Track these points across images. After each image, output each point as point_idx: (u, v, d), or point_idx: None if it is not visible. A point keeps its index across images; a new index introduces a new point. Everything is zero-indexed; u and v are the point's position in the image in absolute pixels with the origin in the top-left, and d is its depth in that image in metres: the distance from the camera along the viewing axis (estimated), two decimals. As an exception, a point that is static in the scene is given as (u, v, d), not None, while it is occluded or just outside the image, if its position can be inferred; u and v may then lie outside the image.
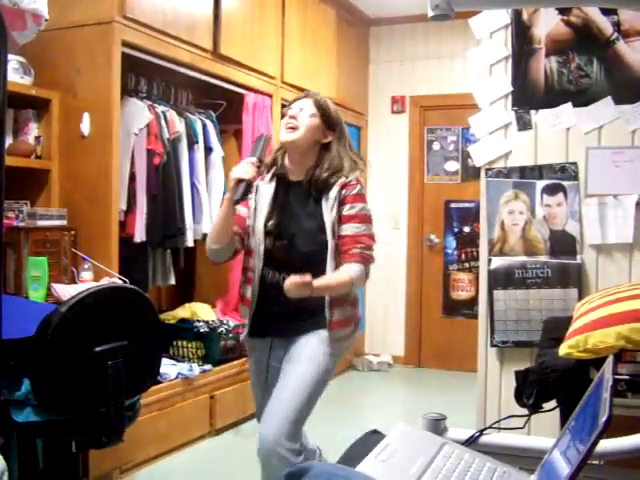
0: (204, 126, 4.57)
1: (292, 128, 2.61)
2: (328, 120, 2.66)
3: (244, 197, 2.54)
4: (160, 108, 4.22)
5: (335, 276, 2.56)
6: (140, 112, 4.05)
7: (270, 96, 5.15)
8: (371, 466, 1.18)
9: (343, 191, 2.59)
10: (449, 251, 6.71)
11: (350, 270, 2.55)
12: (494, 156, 3.27)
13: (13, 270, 3.38)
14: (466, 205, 6.59)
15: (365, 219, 2.64)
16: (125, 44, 3.75)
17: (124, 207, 3.89)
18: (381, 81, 6.93)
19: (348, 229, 2.59)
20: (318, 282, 2.42)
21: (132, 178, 3.96)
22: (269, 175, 2.72)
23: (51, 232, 3.54)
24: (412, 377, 6.48)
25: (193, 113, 4.57)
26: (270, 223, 2.64)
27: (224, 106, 4.93)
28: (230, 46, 4.57)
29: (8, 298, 2.39)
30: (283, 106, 5.33)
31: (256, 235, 2.65)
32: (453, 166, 6.72)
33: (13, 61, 3.51)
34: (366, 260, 2.62)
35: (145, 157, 4.02)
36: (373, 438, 1.41)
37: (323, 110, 2.66)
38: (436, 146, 6.78)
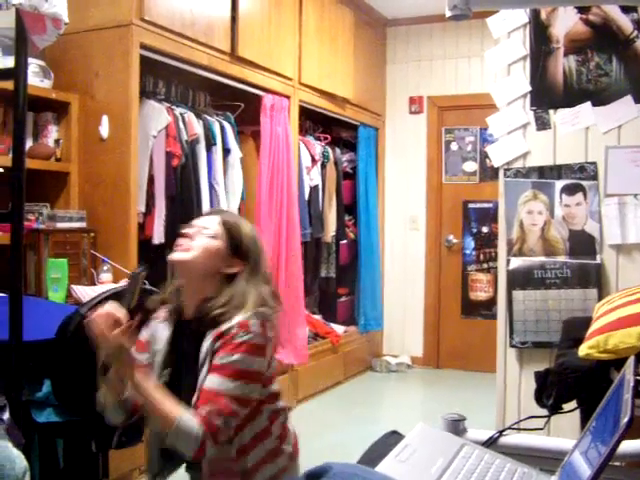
0: (222, 128, 4.58)
1: (184, 249, 2.05)
2: (236, 247, 2.07)
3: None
4: (178, 110, 4.23)
5: (166, 401, 1.90)
6: (158, 114, 4.06)
7: (288, 97, 5.16)
8: (390, 466, 1.18)
9: (218, 343, 1.94)
10: (467, 252, 6.69)
11: (185, 420, 1.85)
12: (512, 156, 3.25)
13: (33, 272, 3.40)
14: (484, 205, 6.56)
15: (235, 374, 1.91)
16: (143, 47, 3.77)
17: (143, 209, 3.91)
18: (398, 81, 6.92)
19: (209, 381, 1.91)
20: (146, 382, 1.91)
21: (151, 180, 3.98)
22: (165, 310, 2.15)
23: (71, 234, 3.56)
24: (431, 378, 6.47)
25: (211, 115, 4.58)
26: (164, 374, 2.09)
27: (242, 108, 4.94)
28: (247, 48, 4.58)
29: (29, 299, 2.41)
30: (301, 107, 5.35)
31: None
32: (471, 166, 6.69)
33: (33, 65, 3.53)
34: (209, 430, 1.86)
35: (164, 159, 4.04)
36: (392, 438, 1.41)
37: (231, 233, 2.08)
38: (454, 146, 6.76)
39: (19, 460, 1.92)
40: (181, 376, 2.06)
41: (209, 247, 2.05)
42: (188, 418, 1.86)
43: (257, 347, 1.94)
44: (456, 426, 1.46)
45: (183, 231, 2.10)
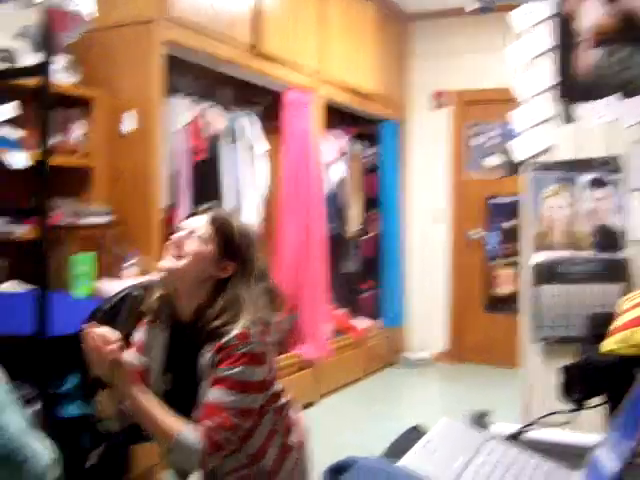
0: (246, 123, 4.60)
1: (175, 256, 1.98)
2: (227, 247, 1.99)
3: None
4: (202, 105, 4.26)
5: (166, 416, 1.88)
6: (182, 110, 4.09)
7: (311, 92, 5.16)
8: (413, 461, 1.18)
9: (218, 356, 1.89)
10: (490, 246, 6.66)
11: (186, 435, 1.83)
12: (536, 150, 3.23)
13: (59, 267, 3.43)
14: (507, 200, 6.52)
15: (236, 386, 1.86)
16: (167, 43, 3.78)
17: (167, 204, 3.93)
18: (421, 76, 6.90)
19: (210, 394, 1.87)
20: (144, 395, 1.90)
21: (175, 175, 4.00)
22: (161, 317, 2.09)
23: (96, 229, 3.59)
24: (453, 373, 6.45)
25: (235, 110, 4.60)
26: (163, 380, 2.05)
27: (265, 102, 4.95)
28: (271, 43, 4.59)
29: (54, 295, 2.44)
30: (324, 102, 5.34)
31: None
32: (494, 161, 6.66)
33: (59, 61, 3.56)
34: (211, 445, 1.83)
35: (187, 154, 4.06)
36: (415, 433, 1.41)
37: (222, 233, 1.99)
38: (477, 141, 6.73)
39: (47, 452, 1.94)
40: (180, 383, 2.01)
41: (200, 253, 1.96)
42: (189, 433, 1.83)
43: (258, 356, 1.90)
44: (480, 421, 1.46)
45: (173, 235, 2.02)
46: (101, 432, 2.19)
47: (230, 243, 1.99)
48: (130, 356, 2.04)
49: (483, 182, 6.69)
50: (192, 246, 1.96)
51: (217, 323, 1.90)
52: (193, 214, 2.08)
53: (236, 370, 1.86)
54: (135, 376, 1.91)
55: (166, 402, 1.94)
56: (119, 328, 1.93)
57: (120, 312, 2.49)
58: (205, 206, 2.07)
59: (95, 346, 1.85)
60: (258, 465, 1.98)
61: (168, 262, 1.97)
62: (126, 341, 1.92)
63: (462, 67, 6.67)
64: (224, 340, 1.87)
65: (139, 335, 2.12)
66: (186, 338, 2.00)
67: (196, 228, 1.99)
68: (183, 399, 1.95)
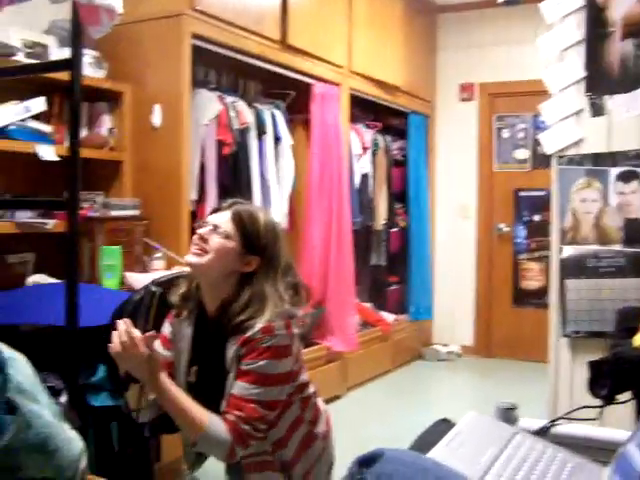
0: (273, 116, 4.60)
1: (199, 251, 2.01)
2: (250, 242, 2.01)
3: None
4: (229, 99, 4.26)
5: (193, 408, 1.91)
6: (210, 103, 4.10)
7: (338, 85, 5.15)
8: (442, 453, 1.18)
9: (243, 349, 1.92)
10: (519, 240, 6.62)
11: (213, 427, 1.87)
12: (566, 143, 3.20)
13: (88, 259, 3.46)
14: (536, 193, 6.47)
15: (261, 379, 1.90)
16: (194, 36, 3.79)
17: (195, 197, 3.95)
18: (449, 68, 6.86)
19: (236, 387, 1.91)
20: (171, 388, 1.91)
21: (202, 168, 4.02)
22: (186, 310, 2.13)
23: (124, 222, 3.61)
24: (481, 367, 6.43)
25: (262, 103, 4.60)
26: (190, 373, 2.09)
27: (292, 96, 4.95)
28: (298, 36, 4.59)
29: (83, 286, 2.46)
30: (351, 95, 5.34)
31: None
32: (523, 154, 6.61)
33: (88, 55, 3.58)
34: (238, 436, 1.87)
35: (215, 147, 4.08)
36: (443, 426, 1.41)
37: (244, 228, 2.01)
38: (505, 134, 6.69)
39: (76, 442, 1.96)
40: (206, 376, 2.04)
41: (223, 249, 1.99)
42: (216, 425, 1.87)
43: (282, 349, 1.93)
44: (508, 415, 1.45)
45: (197, 231, 2.05)
46: (131, 422, 2.21)
47: (253, 238, 2.01)
48: (157, 349, 2.07)
49: (511, 175, 6.65)
50: (215, 242, 2.00)
51: (242, 317, 1.93)
52: (217, 209, 2.11)
53: (260, 363, 1.89)
54: (162, 369, 1.93)
55: (192, 395, 1.97)
56: (145, 322, 1.95)
57: (145, 306, 2.51)
58: (230, 201, 2.09)
59: (122, 342, 1.87)
60: (280, 453, 2.01)
61: (192, 257, 2.01)
62: (152, 334, 1.93)
63: (490, 59, 6.63)
64: (248, 334, 1.90)
65: (165, 329, 2.15)
66: (212, 331, 2.02)
67: (219, 223, 2.02)
68: (209, 391, 1.98)
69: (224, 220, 2.02)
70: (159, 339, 2.10)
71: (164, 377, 1.92)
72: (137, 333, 1.88)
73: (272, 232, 2.05)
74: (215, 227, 2.02)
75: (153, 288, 2.48)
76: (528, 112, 6.47)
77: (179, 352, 2.10)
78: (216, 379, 1.97)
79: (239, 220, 2.02)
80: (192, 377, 2.06)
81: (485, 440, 1.28)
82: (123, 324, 1.90)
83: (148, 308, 1.97)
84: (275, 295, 1.97)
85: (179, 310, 2.12)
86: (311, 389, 2.14)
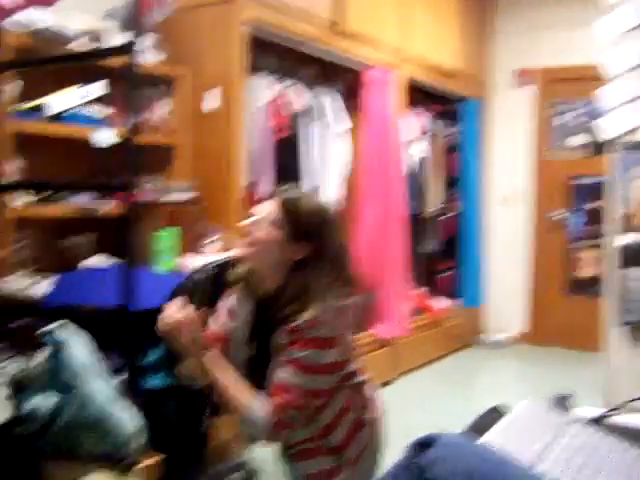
0: (327, 101, 4.60)
1: (247, 243, 2.05)
2: (297, 230, 2.00)
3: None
4: (284, 84, 4.28)
5: (239, 387, 1.96)
6: (264, 88, 4.12)
7: (392, 70, 5.13)
8: (495, 441, 1.18)
9: (289, 337, 1.95)
10: (572, 228, 6.53)
11: (257, 406, 1.91)
12: (624, 129, 3.14)
13: (144, 242, 3.51)
14: (592, 180, 6.36)
15: (305, 368, 1.92)
16: (250, 21, 3.81)
17: (249, 181, 3.98)
18: (505, 53, 6.76)
19: (280, 373, 1.94)
20: (219, 367, 1.97)
21: (256, 152, 4.04)
22: (247, 289, 2.16)
23: (180, 205, 3.66)
24: (533, 355, 6.37)
25: (317, 88, 4.61)
26: (246, 350, 2.13)
27: (346, 81, 4.95)
28: (353, 21, 4.57)
29: (140, 269, 2.50)
30: (405, 80, 5.31)
31: (235, 362, 2.08)
32: (579, 140, 6.50)
33: (145, 40, 3.62)
34: (278, 420, 1.91)
35: (269, 132, 4.10)
36: (496, 413, 1.41)
37: (289, 218, 2.01)
38: (561, 119, 6.58)
39: (133, 420, 2.01)
40: (263, 351, 2.06)
41: (269, 239, 2.00)
42: (258, 407, 1.91)
43: (327, 341, 1.95)
44: (563, 403, 1.44)
45: (245, 222, 2.07)
46: (188, 402, 2.26)
47: (300, 226, 2.01)
48: (219, 321, 2.15)
49: (566, 162, 6.54)
50: (261, 233, 2.02)
51: (290, 307, 1.95)
52: (265, 199, 2.12)
53: (305, 353, 1.92)
54: (211, 347, 1.97)
55: (251, 367, 2.05)
56: (199, 303, 1.98)
57: (200, 288, 2.55)
58: (278, 189, 2.12)
59: (171, 321, 1.93)
60: (327, 439, 2.04)
61: (241, 248, 2.07)
62: (204, 314, 1.98)
63: (546, 44, 6.51)
64: (296, 323, 1.93)
65: (230, 301, 2.19)
66: (267, 313, 2.05)
67: (266, 214, 2.03)
68: (267, 366, 2.00)
69: (270, 210, 2.03)
70: (224, 310, 2.16)
71: (213, 355, 1.97)
72: (189, 311, 1.93)
73: (320, 219, 2.05)
74: (261, 218, 2.03)
75: (208, 270, 2.52)
76: (585, 97, 6.36)
77: (240, 325, 2.14)
78: (268, 360, 2.01)
79: (284, 209, 2.02)
80: (252, 351, 2.10)
81: (539, 428, 1.27)
82: (173, 304, 1.94)
83: (203, 290, 2.01)
84: (324, 284, 1.98)
85: (241, 287, 2.16)
86: (361, 377, 2.15)
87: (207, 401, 2.60)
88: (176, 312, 1.93)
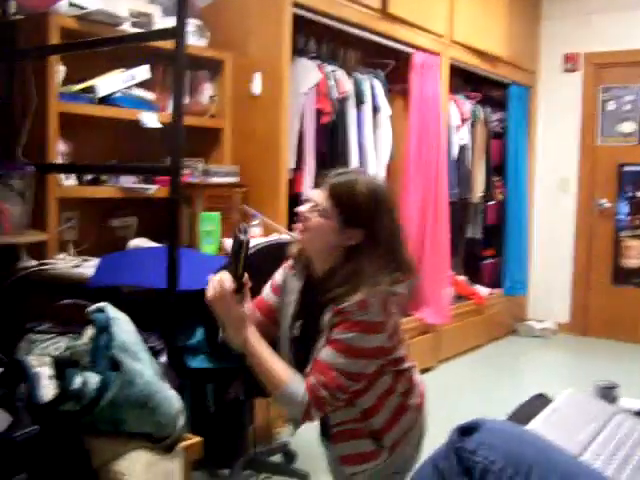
0: (372, 86, 4.58)
1: (301, 229, 2.04)
2: (350, 217, 1.98)
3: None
4: (329, 68, 4.26)
5: (276, 364, 1.96)
6: (309, 72, 4.11)
7: (438, 55, 5.08)
8: (539, 428, 1.17)
9: (336, 318, 1.94)
10: (621, 217, 6.42)
11: (293, 386, 1.92)
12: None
13: (188, 224, 3.54)
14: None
15: (348, 350, 1.91)
16: (295, 4, 3.80)
17: (293, 165, 3.98)
18: (553, 38, 6.66)
19: (323, 352, 1.93)
20: (258, 342, 1.97)
21: (301, 137, 4.04)
22: (297, 268, 2.16)
23: (223, 188, 3.68)
24: (576, 345, 6.30)
25: (361, 72, 4.59)
26: (295, 326, 2.12)
27: (392, 65, 4.92)
28: (398, 4, 4.54)
29: (183, 251, 2.52)
30: (451, 65, 5.26)
31: (281, 339, 2.13)
32: (629, 127, 6.38)
33: (191, 24, 3.64)
34: (315, 400, 1.91)
35: (314, 116, 4.09)
36: (539, 402, 1.40)
37: (342, 204, 1.99)
38: (611, 106, 6.46)
39: (175, 401, 2.03)
40: (308, 331, 2.05)
41: (321, 227, 1.99)
42: (296, 385, 1.91)
43: (374, 325, 1.93)
44: (607, 393, 1.43)
45: (298, 208, 2.05)
46: (227, 385, 2.27)
47: (352, 212, 1.98)
48: (265, 292, 2.17)
49: (615, 149, 6.43)
50: (314, 220, 2.00)
51: (340, 290, 1.93)
52: (309, 184, 2.09)
53: (350, 335, 1.90)
54: (250, 324, 1.98)
55: (294, 347, 2.05)
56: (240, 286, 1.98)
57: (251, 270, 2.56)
58: (330, 173, 2.06)
59: (213, 296, 1.93)
60: (370, 421, 2.03)
61: (296, 235, 2.06)
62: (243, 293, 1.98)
63: (597, 28, 6.39)
64: (343, 305, 1.91)
65: (278, 275, 2.19)
66: (317, 292, 2.04)
67: (317, 201, 2.01)
68: (310, 347, 2.00)
69: (322, 197, 2.01)
70: (270, 284, 2.18)
71: (251, 332, 1.96)
72: (229, 284, 1.92)
73: (373, 203, 2.00)
74: (314, 205, 2.01)
75: (250, 251, 2.52)
76: (636, 83, 6.24)
77: (286, 304, 2.14)
78: (317, 337, 2.00)
79: (337, 196, 1.99)
80: (296, 331, 2.10)
81: (584, 417, 1.26)
82: (219, 274, 1.95)
83: (239, 261, 2.01)
84: (376, 271, 1.95)
85: (293, 264, 2.15)
86: (407, 364, 2.15)
87: (248, 383, 2.61)
88: (223, 282, 1.93)
